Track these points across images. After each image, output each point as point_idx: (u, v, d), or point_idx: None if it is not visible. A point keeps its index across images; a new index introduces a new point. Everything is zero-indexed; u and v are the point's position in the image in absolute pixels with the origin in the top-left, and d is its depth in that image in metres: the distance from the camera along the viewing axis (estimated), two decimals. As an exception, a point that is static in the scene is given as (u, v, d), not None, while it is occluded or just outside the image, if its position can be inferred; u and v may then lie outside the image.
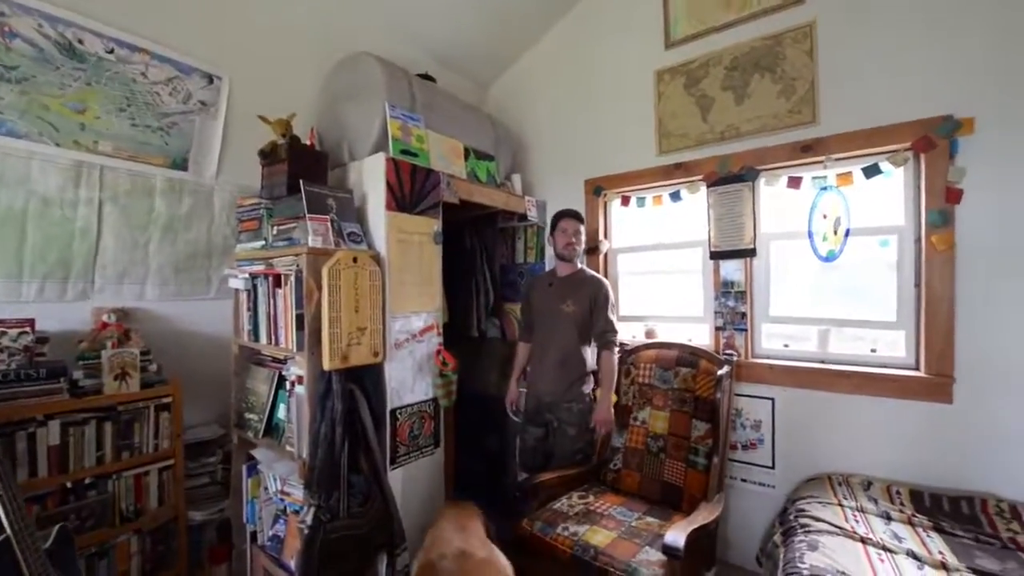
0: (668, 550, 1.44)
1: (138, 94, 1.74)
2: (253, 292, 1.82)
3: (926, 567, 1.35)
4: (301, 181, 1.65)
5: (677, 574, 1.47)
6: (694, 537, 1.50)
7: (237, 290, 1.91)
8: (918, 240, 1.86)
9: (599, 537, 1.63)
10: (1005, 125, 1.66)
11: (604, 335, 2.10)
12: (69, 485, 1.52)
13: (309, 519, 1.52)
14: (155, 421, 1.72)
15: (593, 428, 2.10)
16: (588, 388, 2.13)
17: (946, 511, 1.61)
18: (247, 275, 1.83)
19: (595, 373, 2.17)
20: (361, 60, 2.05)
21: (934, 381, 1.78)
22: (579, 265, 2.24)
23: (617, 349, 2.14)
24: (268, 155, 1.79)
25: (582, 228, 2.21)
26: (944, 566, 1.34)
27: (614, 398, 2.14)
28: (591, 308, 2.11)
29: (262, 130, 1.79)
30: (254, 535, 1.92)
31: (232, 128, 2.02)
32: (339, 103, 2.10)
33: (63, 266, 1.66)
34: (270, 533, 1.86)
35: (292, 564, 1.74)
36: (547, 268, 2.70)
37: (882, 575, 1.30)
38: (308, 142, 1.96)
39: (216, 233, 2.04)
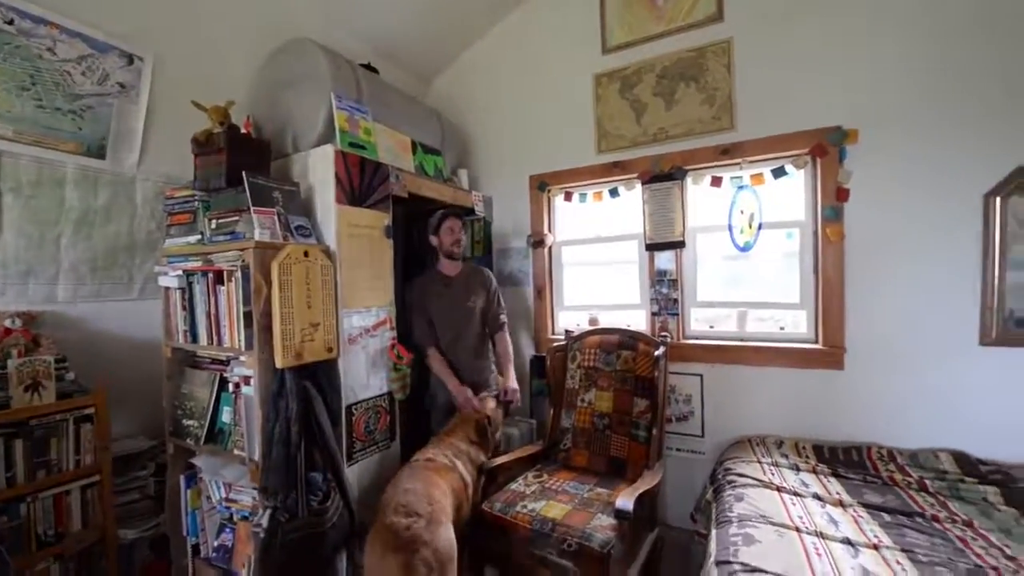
0: (620, 514, 1.58)
1: (45, 72, 1.54)
2: (189, 290, 1.71)
3: (827, 505, 1.61)
4: (244, 173, 1.58)
5: (626, 535, 1.62)
6: (640, 501, 1.65)
7: (168, 289, 1.77)
8: (816, 232, 2.17)
9: (555, 510, 1.73)
10: (881, 136, 1.99)
11: (499, 318, 2.31)
12: (-30, 513, 1.35)
13: (265, 521, 1.48)
14: (75, 435, 1.57)
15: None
16: (495, 374, 2.28)
17: (841, 460, 1.92)
18: (180, 272, 1.71)
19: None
20: (303, 47, 1.97)
21: (829, 352, 2.09)
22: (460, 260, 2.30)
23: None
24: (203, 144, 1.68)
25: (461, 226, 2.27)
26: (841, 503, 1.62)
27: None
28: (488, 298, 2.28)
29: (190, 117, 1.67)
30: (196, 548, 1.81)
31: (156, 114, 1.86)
32: (278, 92, 2.01)
33: (-48, 265, 1.46)
34: (215, 544, 1.76)
35: (243, 573, 1.67)
36: (494, 264, 2.78)
37: (794, 515, 1.54)
38: (244, 131, 1.86)
39: (139, 228, 1.87)
